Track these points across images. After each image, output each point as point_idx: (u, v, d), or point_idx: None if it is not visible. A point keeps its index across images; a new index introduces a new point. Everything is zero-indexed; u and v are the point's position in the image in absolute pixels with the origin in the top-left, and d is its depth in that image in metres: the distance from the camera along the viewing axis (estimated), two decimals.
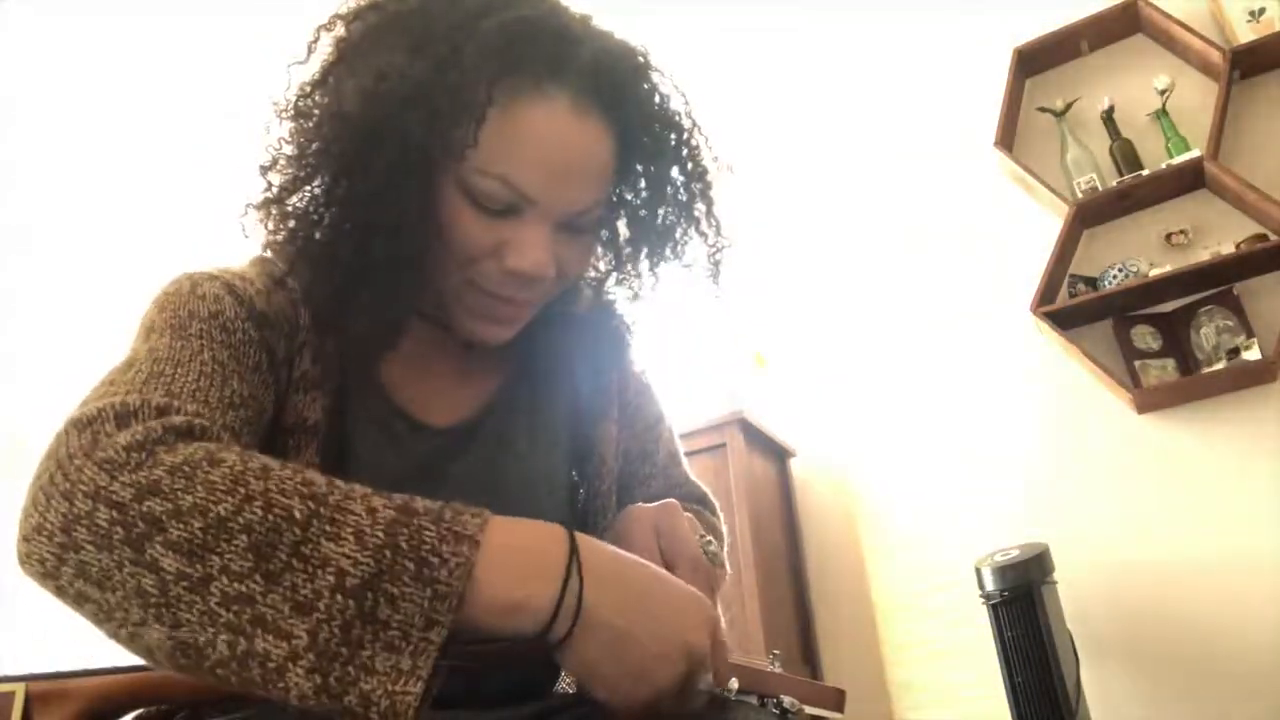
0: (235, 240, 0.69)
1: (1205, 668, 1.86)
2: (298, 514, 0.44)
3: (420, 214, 0.62)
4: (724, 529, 0.86)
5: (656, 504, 0.66)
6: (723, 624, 0.69)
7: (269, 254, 0.68)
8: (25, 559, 0.46)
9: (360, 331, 0.66)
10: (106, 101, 2.88)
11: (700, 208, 0.73)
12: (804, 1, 2.71)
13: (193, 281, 0.64)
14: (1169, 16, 2.20)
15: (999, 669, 1.76)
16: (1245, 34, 2.13)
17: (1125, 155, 2.21)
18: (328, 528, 0.44)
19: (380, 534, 0.44)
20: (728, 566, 0.82)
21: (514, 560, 0.47)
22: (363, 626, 0.42)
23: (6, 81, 2.79)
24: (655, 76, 0.68)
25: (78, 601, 0.45)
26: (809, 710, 0.61)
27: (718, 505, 0.89)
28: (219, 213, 0.69)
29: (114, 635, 0.45)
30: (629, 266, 0.76)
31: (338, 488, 0.46)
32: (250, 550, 0.43)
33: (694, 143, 0.71)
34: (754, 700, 0.60)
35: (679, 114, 0.70)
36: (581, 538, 0.50)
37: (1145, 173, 2.13)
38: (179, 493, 0.44)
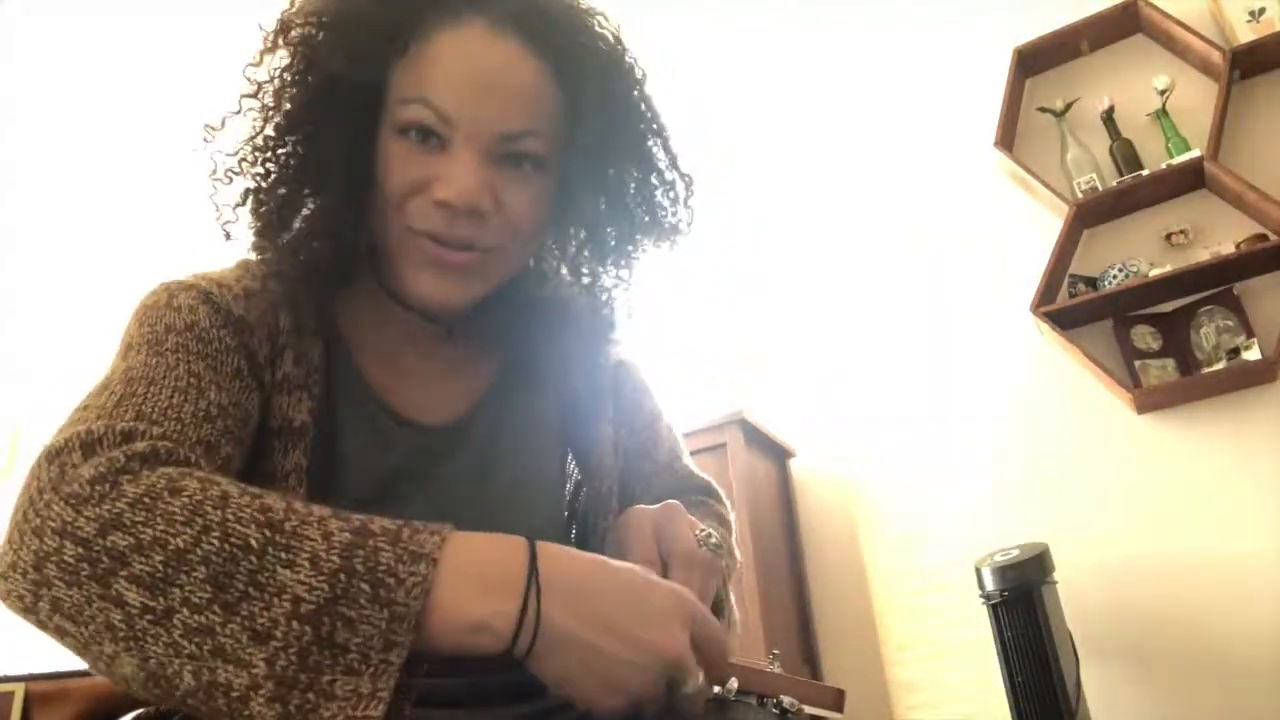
0: (233, 240, 0.69)
1: (1205, 668, 1.86)
2: (254, 542, 0.44)
3: (352, 156, 0.64)
4: (731, 517, 0.86)
5: (657, 505, 0.66)
6: (724, 621, 0.68)
7: (254, 255, 0.69)
8: (5, 596, 0.47)
9: (304, 271, 0.67)
10: (105, 101, 2.88)
11: (661, 157, 0.73)
12: (805, 1, 2.71)
13: (169, 292, 0.64)
14: (1169, 16, 2.20)
15: (999, 669, 1.76)
16: (1245, 34, 2.13)
17: (1125, 155, 2.21)
18: (283, 555, 0.44)
19: (336, 558, 0.44)
20: (738, 555, 0.82)
21: (472, 578, 0.46)
22: (321, 652, 0.42)
23: (6, 81, 2.79)
24: (593, 21, 0.68)
25: (58, 635, 0.46)
26: (809, 710, 0.61)
27: (724, 494, 0.89)
28: (216, 213, 0.69)
29: (94, 666, 0.46)
30: (601, 233, 0.74)
31: (295, 512, 0.46)
32: (209, 581, 0.43)
33: (646, 91, 0.71)
34: (753, 700, 0.60)
35: (626, 61, 0.70)
36: (543, 548, 0.49)
37: (1145, 173, 2.13)
38: (139, 526, 0.44)
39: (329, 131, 0.65)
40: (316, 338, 0.68)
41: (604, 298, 0.78)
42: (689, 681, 0.49)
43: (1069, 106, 2.32)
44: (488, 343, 0.78)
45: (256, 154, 0.67)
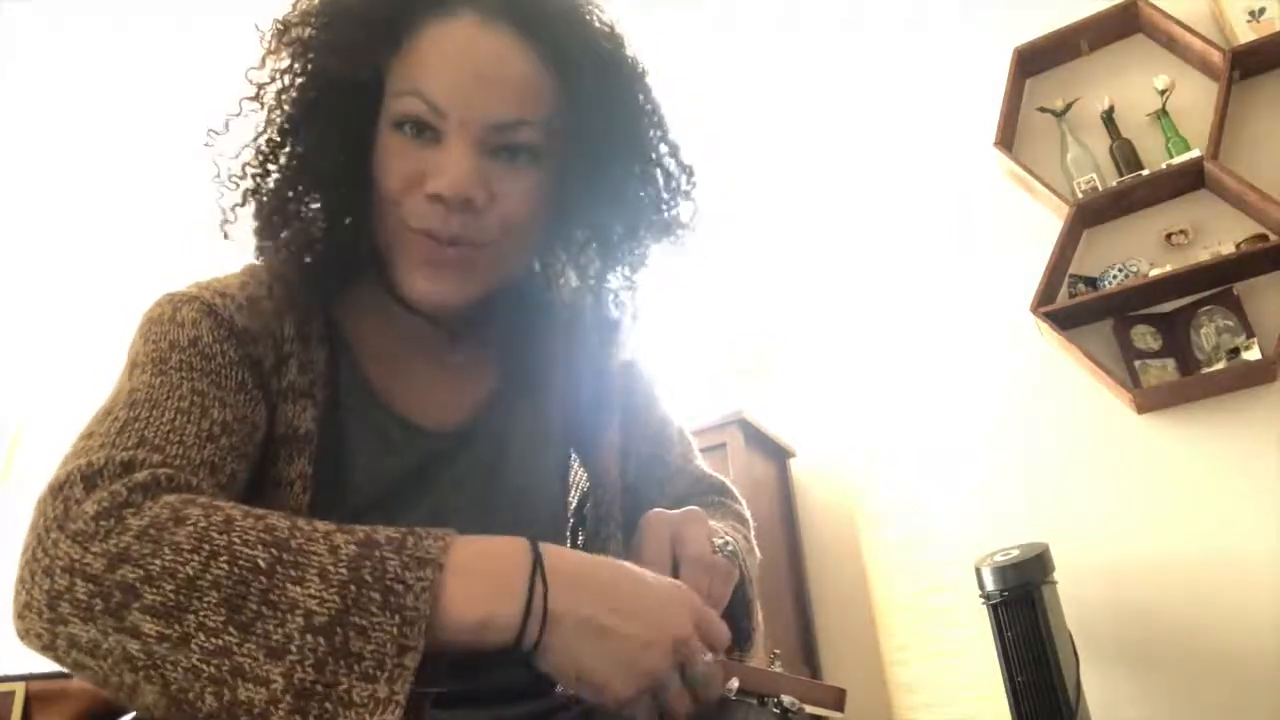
0: (231, 239, 0.69)
1: (1205, 668, 1.86)
2: (262, 562, 0.45)
3: (353, 156, 0.65)
4: (748, 514, 0.86)
5: (678, 511, 0.66)
6: (749, 626, 0.69)
7: (259, 260, 0.69)
8: (23, 635, 0.48)
9: (307, 274, 0.67)
10: (105, 102, 2.88)
11: (663, 150, 0.72)
12: (805, 1, 2.71)
13: (173, 305, 0.64)
14: (1169, 16, 2.20)
15: (999, 669, 1.76)
16: (1245, 34, 2.13)
17: (1125, 155, 2.21)
18: (292, 571, 0.45)
19: (344, 570, 0.45)
20: (757, 553, 0.82)
21: (478, 577, 0.48)
22: (336, 661, 0.43)
23: (6, 80, 2.79)
24: (589, 13, 0.68)
25: (77, 669, 0.47)
26: (810, 709, 0.61)
27: (738, 492, 0.89)
28: (221, 216, 0.69)
29: (115, 697, 0.47)
30: (605, 231, 0.73)
31: (300, 530, 0.47)
32: (222, 605, 0.44)
33: (645, 83, 0.71)
34: (754, 700, 0.60)
35: (624, 53, 0.70)
36: (546, 546, 0.51)
37: (1145, 173, 2.13)
38: (147, 558, 0.45)
39: (329, 132, 0.66)
40: (321, 343, 0.68)
41: (611, 301, 0.77)
42: (698, 661, 0.50)
43: (1069, 106, 2.32)
44: (493, 347, 0.77)
45: (259, 156, 0.67)
